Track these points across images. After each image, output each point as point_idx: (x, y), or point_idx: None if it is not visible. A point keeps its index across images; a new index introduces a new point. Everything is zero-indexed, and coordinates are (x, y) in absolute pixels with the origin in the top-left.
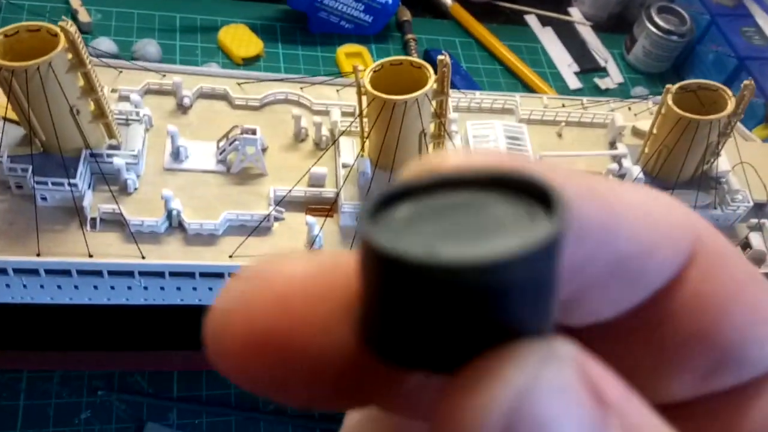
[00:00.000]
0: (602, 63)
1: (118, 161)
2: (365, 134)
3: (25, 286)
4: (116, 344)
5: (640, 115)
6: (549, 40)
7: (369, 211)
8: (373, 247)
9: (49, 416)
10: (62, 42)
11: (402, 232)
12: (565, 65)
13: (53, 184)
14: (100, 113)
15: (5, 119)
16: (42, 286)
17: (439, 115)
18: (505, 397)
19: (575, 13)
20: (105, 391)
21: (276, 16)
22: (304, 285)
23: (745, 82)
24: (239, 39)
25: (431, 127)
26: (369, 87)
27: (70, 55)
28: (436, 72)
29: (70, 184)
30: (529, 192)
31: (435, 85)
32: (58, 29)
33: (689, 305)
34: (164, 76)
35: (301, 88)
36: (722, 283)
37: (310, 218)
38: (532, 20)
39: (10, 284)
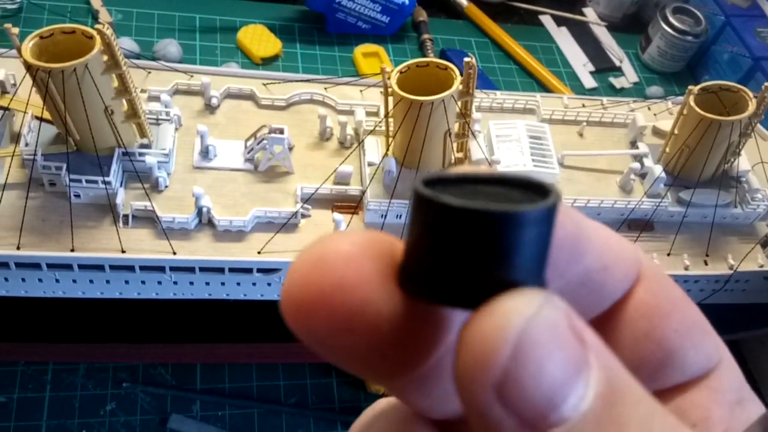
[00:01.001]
0: (617, 62)
1: (150, 160)
2: (390, 134)
3: (57, 280)
4: (142, 337)
5: (660, 115)
6: (564, 40)
7: (421, 181)
8: (424, 195)
9: (74, 408)
10: (98, 44)
11: (445, 193)
12: (581, 65)
13: (87, 181)
14: (133, 113)
15: (39, 119)
16: (74, 281)
17: (464, 115)
18: (516, 322)
19: (590, 14)
20: (129, 383)
21: (294, 16)
22: (362, 248)
23: (766, 83)
24: (258, 39)
25: (455, 127)
26: (396, 88)
27: (105, 57)
28: (461, 73)
29: (104, 182)
30: (534, 189)
31: (461, 86)
32: (93, 31)
33: (639, 314)
34: (192, 76)
35: (326, 89)
36: (663, 298)
37: (337, 215)
38: (547, 20)
39: (43, 279)
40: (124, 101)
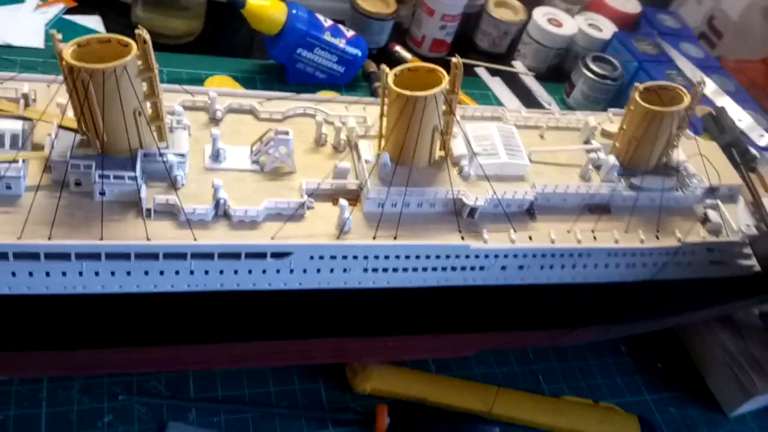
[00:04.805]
0: (546, 105)
1: (172, 158)
2: (384, 132)
3: (81, 273)
4: (140, 340)
5: (603, 123)
6: (498, 88)
7: None
8: None
9: (72, 421)
10: (135, 49)
11: None
12: (515, 107)
13: (115, 177)
14: (157, 116)
15: (60, 127)
16: (97, 273)
17: (450, 112)
18: None
19: (519, 65)
20: (125, 395)
21: (255, 69)
22: None
23: (697, 79)
24: (224, 87)
25: (440, 126)
26: (393, 86)
27: (140, 62)
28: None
29: (130, 178)
30: None
31: (448, 86)
32: (129, 40)
33: None
34: (194, 96)
35: (320, 103)
36: None
37: (342, 201)
38: (482, 71)
39: (67, 272)
40: (149, 105)
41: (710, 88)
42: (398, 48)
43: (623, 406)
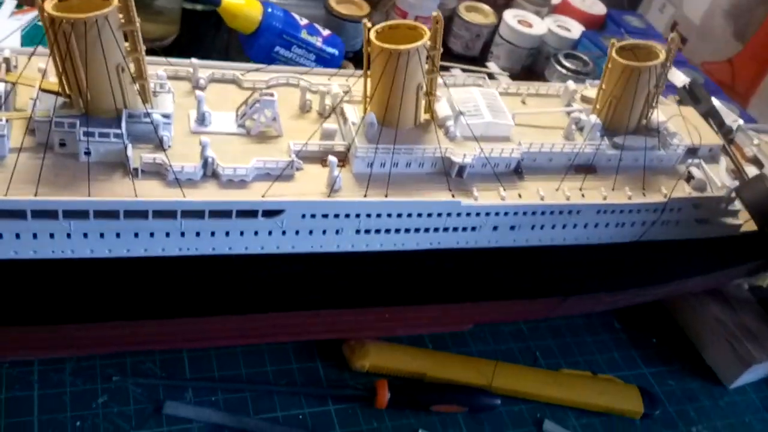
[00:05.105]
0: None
1: (157, 117)
2: (369, 92)
3: (69, 235)
4: (134, 313)
5: (582, 90)
6: None
7: None
8: None
9: (65, 403)
10: (116, 0)
11: None
12: None
13: (100, 135)
14: (140, 74)
15: (42, 90)
16: (86, 235)
17: (433, 70)
18: None
19: (493, 66)
20: (120, 377)
21: None
22: None
23: (672, 35)
24: None
25: (424, 84)
26: (375, 41)
27: (121, 15)
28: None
29: (116, 135)
30: None
31: (429, 42)
32: None
33: None
34: (170, 63)
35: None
36: None
37: (332, 158)
38: (457, 72)
39: (54, 234)
40: (132, 62)
41: (679, 77)
42: None
43: (622, 380)
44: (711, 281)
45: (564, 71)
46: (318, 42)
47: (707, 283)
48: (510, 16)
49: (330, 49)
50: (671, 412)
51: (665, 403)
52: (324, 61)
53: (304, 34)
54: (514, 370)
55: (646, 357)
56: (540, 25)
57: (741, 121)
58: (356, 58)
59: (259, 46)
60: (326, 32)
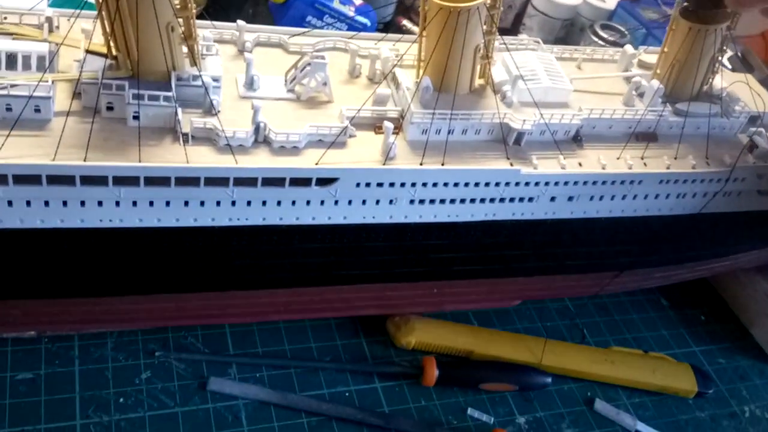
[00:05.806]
0: None
1: (207, 79)
2: (423, 56)
3: (117, 203)
4: (182, 286)
5: (639, 55)
6: None
7: None
8: None
9: (108, 378)
10: None
11: None
12: None
13: (150, 98)
14: (190, 34)
15: (88, 51)
16: (135, 204)
17: (491, 32)
18: None
19: (525, 39)
20: (162, 352)
21: None
22: None
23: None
24: None
25: (482, 46)
26: None
27: None
28: None
29: (165, 98)
30: None
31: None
32: None
33: None
34: (215, 26)
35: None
36: None
37: (387, 123)
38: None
39: (103, 202)
40: (182, 21)
41: None
42: (405, 21)
43: (673, 358)
44: (765, 256)
45: (601, 42)
46: (350, 11)
47: (761, 258)
48: None
49: (362, 19)
50: (723, 391)
51: (717, 382)
52: (355, 30)
53: (336, 3)
54: (564, 347)
55: (695, 335)
56: None
57: None
58: (387, 30)
59: (290, 16)
60: (359, 1)
